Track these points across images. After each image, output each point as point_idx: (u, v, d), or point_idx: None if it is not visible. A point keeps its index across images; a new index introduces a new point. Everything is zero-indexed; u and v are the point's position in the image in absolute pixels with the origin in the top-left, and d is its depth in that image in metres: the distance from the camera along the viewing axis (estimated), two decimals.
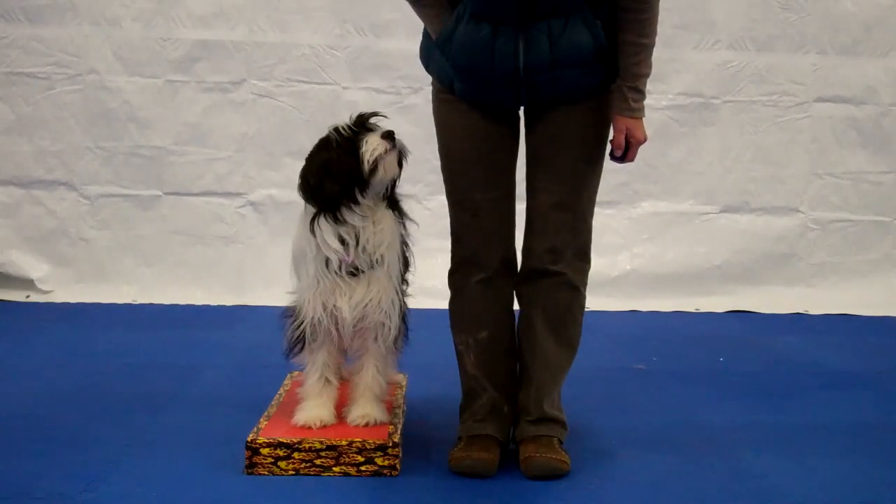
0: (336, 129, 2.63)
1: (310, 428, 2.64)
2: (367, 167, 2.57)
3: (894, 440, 2.98)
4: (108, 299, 4.93)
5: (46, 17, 4.96)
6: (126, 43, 5.00)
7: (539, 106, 2.61)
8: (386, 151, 2.59)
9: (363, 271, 2.64)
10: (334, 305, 2.64)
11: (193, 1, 5.01)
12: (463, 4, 2.50)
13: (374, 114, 2.67)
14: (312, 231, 2.61)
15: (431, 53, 2.64)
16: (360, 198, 2.59)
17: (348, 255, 2.61)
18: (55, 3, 4.95)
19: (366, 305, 2.65)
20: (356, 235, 2.61)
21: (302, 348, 2.72)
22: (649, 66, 2.56)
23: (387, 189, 2.67)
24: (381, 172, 2.59)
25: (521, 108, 2.66)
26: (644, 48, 2.52)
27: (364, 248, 2.62)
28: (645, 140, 2.62)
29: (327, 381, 2.73)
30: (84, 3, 4.96)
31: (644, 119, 2.64)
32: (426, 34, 2.67)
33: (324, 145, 2.64)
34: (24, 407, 3.12)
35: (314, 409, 2.69)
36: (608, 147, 2.68)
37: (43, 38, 4.97)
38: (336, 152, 2.60)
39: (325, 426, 2.66)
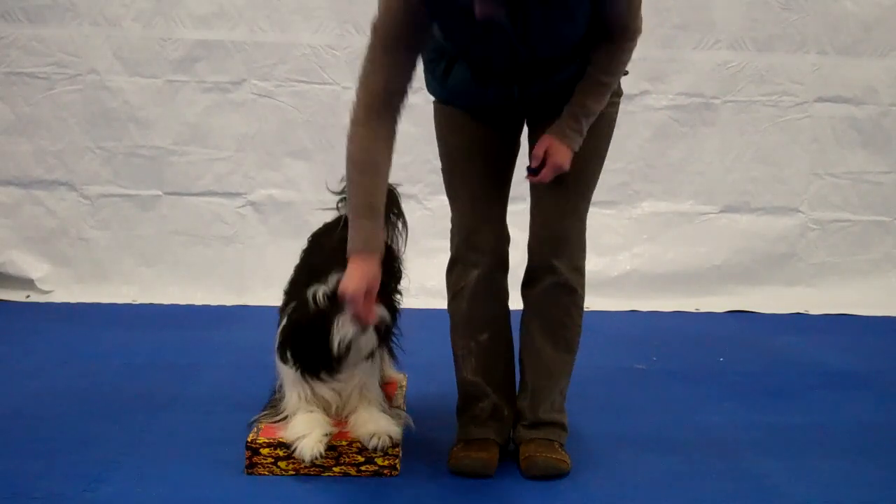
0: (313, 297, 2.46)
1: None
2: (336, 351, 2.45)
3: (894, 440, 2.98)
4: (108, 299, 4.93)
5: (46, 17, 4.96)
6: (126, 43, 5.00)
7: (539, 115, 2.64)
8: (358, 333, 2.43)
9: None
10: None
11: (193, 1, 5.01)
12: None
13: None
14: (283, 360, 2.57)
15: (425, 78, 2.67)
16: (332, 373, 2.53)
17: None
18: (55, 3, 4.95)
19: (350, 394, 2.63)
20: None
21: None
22: (600, 104, 2.54)
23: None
24: (353, 355, 2.49)
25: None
26: (604, 86, 2.52)
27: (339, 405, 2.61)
28: (563, 169, 2.53)
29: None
30: (84, 3, 4.96)
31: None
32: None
33: (303, 313, 2.49)
34: (24, 407, 3.12)
35: (313, 442, 2.52)
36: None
37: (43, 38, 4.96)
38: (307, 331, 2.47)
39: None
